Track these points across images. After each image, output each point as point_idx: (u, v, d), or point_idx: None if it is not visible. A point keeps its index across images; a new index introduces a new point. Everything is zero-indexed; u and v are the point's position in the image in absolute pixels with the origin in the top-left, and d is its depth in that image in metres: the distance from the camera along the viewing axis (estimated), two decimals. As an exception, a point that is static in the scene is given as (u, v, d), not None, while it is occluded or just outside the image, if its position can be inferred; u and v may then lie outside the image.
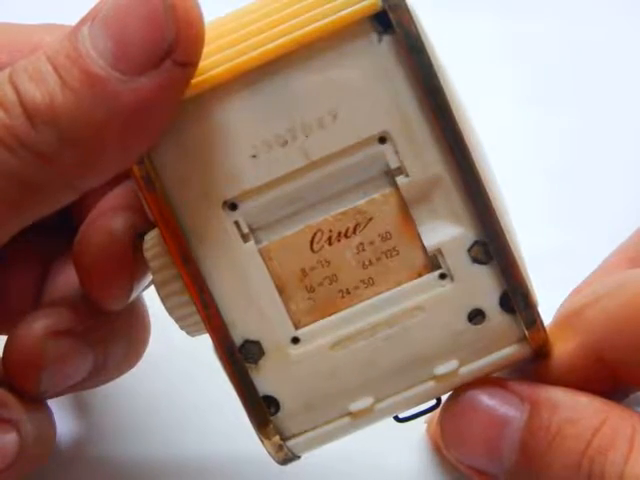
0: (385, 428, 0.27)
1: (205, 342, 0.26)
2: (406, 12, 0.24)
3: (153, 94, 0.23)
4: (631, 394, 0.28)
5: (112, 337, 0.30)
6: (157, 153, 0.25)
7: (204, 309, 0.25)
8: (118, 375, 0.31)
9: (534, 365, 0.27)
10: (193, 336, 0.27)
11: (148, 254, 0.26)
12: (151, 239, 0.26)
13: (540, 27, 0.42)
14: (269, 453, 0.26)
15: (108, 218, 0.28)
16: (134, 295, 0.29)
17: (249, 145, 0.25)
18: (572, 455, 0.25)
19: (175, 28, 0.23)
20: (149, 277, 0.28)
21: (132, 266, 0.28)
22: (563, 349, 0.27)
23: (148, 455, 0.33)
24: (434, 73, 0.25)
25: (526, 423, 0.26)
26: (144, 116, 0.23)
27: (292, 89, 0.25)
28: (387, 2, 0.24)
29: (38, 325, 0.28)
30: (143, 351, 0.31)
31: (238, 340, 0.25)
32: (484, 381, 0.27)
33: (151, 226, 0.26)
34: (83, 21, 0.23)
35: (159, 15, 0.23)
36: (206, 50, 0.24)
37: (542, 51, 0.42)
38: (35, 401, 0.29)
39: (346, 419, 0.26)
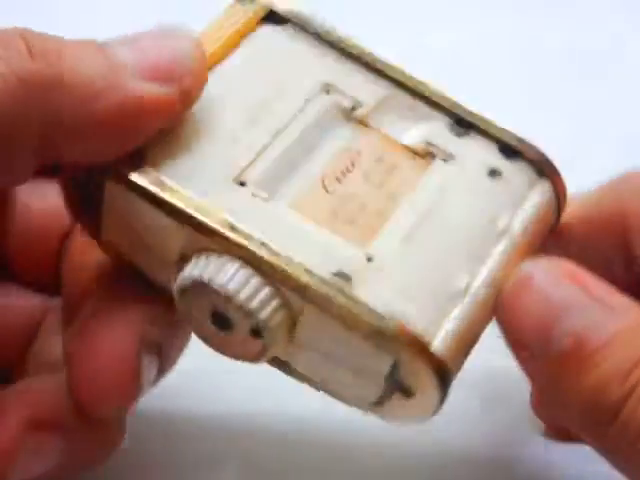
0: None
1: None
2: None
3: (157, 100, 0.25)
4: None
5: (86, 433, 0.27)
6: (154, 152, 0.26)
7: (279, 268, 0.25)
8: (81, 471, 0.29)
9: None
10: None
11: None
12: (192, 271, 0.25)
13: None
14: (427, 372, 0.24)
15: (112, 330, 0.26)
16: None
17: (230, 132, 0.27)
18: (623, 363, 0.24)
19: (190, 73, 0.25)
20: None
21: (139, 380, 0.26)
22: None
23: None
24: (335, 34, 0.29)
25: (586, 316, 0.25)
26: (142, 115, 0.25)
27: (238, 81, 0.28)
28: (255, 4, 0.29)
29: (14, 418, 0.26)
30: (111, 453, 0.29)
31: (327, 274, 0.25)
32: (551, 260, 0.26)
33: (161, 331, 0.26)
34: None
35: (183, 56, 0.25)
36: None
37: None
38: None
39: (463, 300, 0.25)
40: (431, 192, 0.27)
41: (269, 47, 0.28)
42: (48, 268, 0.30)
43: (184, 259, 0.25)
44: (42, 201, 0.29)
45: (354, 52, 0.29)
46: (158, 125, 0.25)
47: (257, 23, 0.29)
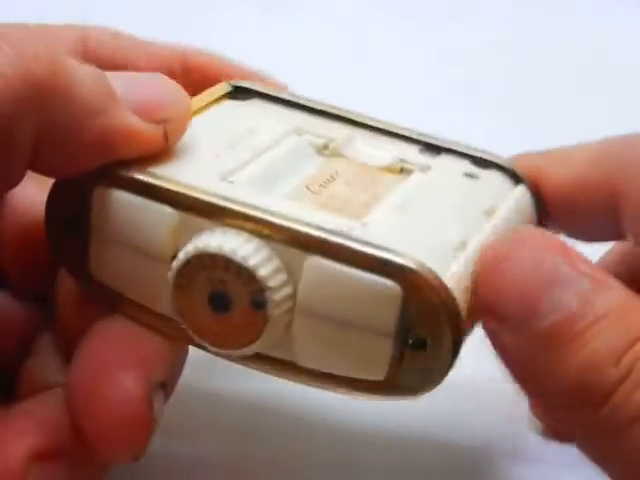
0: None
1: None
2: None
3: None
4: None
5: (89, 459, 0.26)
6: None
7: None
8: None
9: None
10: None
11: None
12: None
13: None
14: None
15: (117, 377, 0.25)
16: None
17: (212, 151, 0.27)
18: (617, 342, 0.23)
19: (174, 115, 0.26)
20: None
21: (150, 427, 0.25)
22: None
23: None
24: (286, 95, 0.31)
25: (576, 290, 0.23)
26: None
27: (213, 125, 0.29)
28: (235, 85, 0.31)
29: (18, 448, 0.25)
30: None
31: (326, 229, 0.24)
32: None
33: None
34: None
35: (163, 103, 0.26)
36: None
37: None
38: None
39: (461, 255, 0.25)
40: (415, 184, 0.28)
41: (239, 107, 0.30)
42: (41, 276, 0.29)
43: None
44: (31, 207, 0.28)
45: (316, 106, 0.30)
46: (140, 154, 0.26)
47: (225, 96, 0.31)
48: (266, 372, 0.26)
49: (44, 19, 0.29)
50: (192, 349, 0.27)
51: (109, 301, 0.27)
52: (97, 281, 0.27)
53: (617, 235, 0.29)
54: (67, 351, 0.27)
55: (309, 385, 0.26)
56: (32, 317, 0.29)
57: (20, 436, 0.25)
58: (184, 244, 0.25)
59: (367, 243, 0.24)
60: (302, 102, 0.31)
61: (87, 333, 0.26)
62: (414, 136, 0.30)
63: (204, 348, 0.26)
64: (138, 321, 0.26)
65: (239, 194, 0.25)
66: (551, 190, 0.29)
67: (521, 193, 0.29)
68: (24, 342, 0.29)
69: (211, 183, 0.25)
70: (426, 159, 0.29)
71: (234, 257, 0.24)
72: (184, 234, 0.25)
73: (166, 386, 0.26)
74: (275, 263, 0.24)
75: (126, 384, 0.25)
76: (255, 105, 0.31)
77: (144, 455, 0.26)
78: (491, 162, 0.29)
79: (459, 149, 0.29)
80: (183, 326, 0.25)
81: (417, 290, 0.23)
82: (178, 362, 0.27)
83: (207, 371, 0.30)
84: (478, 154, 0.29)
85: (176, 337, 0.26)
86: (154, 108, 0.26)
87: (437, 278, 0.23)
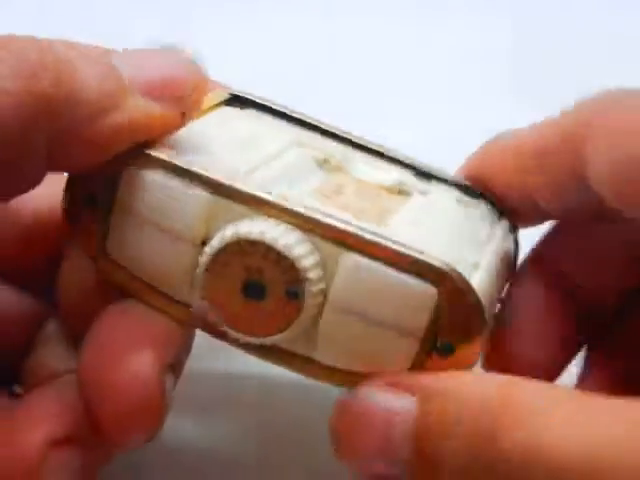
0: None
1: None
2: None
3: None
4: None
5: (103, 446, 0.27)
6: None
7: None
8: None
9: None
10: None
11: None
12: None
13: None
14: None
15: (130, 360, 0.25)
16: None
17: (224, 150, 0.27)
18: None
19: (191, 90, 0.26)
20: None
21: (163, 410, 0.26)
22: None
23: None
24: (281, 108, 0.31)
25: (418, 415, 0.24)
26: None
27: (216, 130, 0.28)
28: (231, 95, 0.31)
29: (34, 437, 0.25)
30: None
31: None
32: (375, 380, 0.25)
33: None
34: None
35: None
36: None
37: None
38: None
39: (477, 270, 0.26)
40: (420, 205, 0.28)
41: (239, 114, 0.30)
42: (43, 269, 0.28)
43: (207, 243, 0.25)
44: (33, 202, 0.28)
45: (311, 122, 0.31)
46: (158, 136, 0.26)
47: (222, 103, 0.31)
48: (283, 366, 0.26)
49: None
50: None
51: (123, 283, 0.26)
52: (114, 262, 0.26)
53: (589, 203, 0.27)
54: (74, 337, 0.27)
55: (324, 382, 0.26)
56: (35, 310, 0.29)
57: (35, 425, 0.25)
58: (216, 230, 0.25)
59: (405, 245, 0.24)
60: (295, 115, 0.31)
61: (97, 317, 0.26)
62: (406, 161, 0.30)
63: (221, 337, 0.26)
64: (151, 305, 0.26)
65: (271, 188, 0.25)
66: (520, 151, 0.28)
67: (505, 226, 0.30)
68: (28, 337, 0.28)
69: (242, 174, 0.26)
70: (422, 184, 0.30)
71: (275, 245, 0.24)
72: (217, 220, 0.25)
73: (175, 368, 0.26)
74: (315, 256, 0.24)
75: (139, 367, 0.25)
76: (253, 114, 0.31)
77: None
78: (477, 193, 0.30)
79: (448, 178, 0.30)
80: (198, 312, 0.26)
81: (454, 295, 0.24)
82: (187, 344, 0.27)
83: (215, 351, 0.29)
84: (464, 184, 0.30)
85: (188, 323, 0.26)
86: (167, 87, 0.25)
87: (471, 286, 0.24)
